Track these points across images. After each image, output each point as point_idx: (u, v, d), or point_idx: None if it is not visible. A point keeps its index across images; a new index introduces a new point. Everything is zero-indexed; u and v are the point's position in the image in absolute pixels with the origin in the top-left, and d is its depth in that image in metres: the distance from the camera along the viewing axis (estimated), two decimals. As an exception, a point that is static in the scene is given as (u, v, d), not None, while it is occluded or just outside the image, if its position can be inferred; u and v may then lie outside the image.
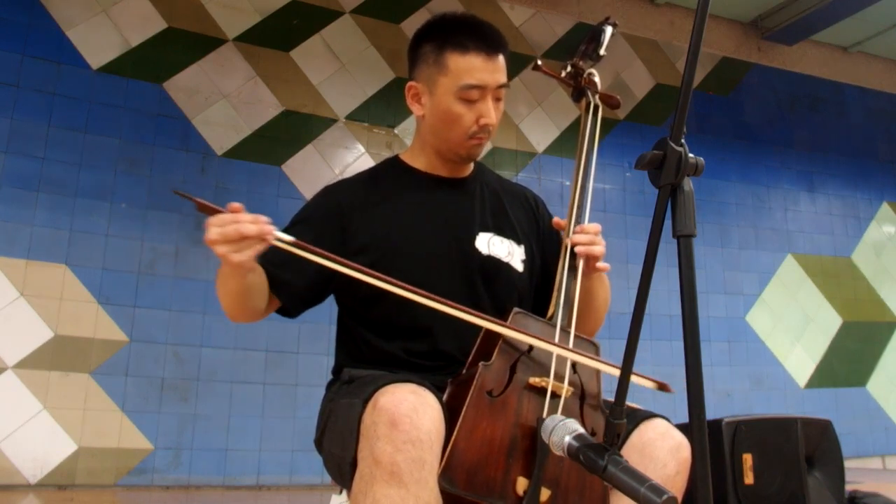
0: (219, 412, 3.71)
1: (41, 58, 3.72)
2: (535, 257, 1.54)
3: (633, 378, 1.16)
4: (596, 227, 1.38)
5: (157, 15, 4.03)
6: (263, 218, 1.13)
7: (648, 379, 1.22)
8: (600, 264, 1.38)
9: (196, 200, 1.12)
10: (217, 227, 1.13)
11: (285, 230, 1.41)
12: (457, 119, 1.40)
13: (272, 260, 1.31)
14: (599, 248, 1.37)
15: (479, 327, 1.26)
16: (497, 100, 1.42)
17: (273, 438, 3.77)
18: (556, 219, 1.46)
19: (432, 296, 1.15)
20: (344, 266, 1.15)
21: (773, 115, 5.74)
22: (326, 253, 1.15)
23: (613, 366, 1.16)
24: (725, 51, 5.62)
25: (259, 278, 1.31)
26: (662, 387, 1.21)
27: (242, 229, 1.11)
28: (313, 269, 1.27)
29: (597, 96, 1.51)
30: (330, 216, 1.42)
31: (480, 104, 1.40)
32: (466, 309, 1.17)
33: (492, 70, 1.39)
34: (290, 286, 1.37)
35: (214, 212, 1.14)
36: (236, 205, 1.13)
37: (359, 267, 1.15)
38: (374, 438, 1.03)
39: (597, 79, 1.51)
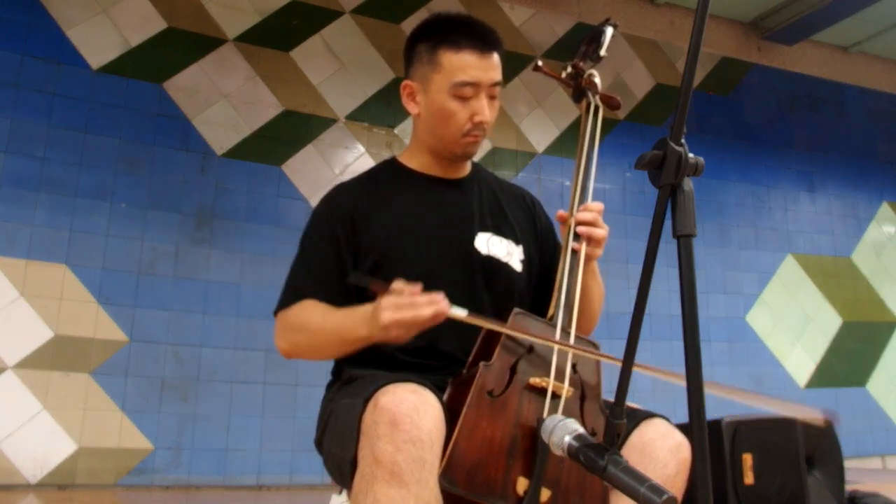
0: (219, 412, 3.71)
1: (41, 58, 3.72)
2: (532, 257, 1.54)
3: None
4: (599, 205, 1.40)
5: (157, 15, 4.03)
6: (438, 297, 1.14)
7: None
8: (594, 250, 1.39)
9: (370, 282, 1.18)
10: (393, 311, 1.14)
11: (298, 254, 1.45)
12: (451, 116, 1.41)
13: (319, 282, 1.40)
14: (602, 232, 1.38)
15: (479, 327, 1.27)
16: (491, 97, 1.43)
17: (273, 438, 3.77)
18: (560, 212, 1.45)
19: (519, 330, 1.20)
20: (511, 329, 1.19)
21: (773, 115, 5.74)
22: (497, 323, 1.20)
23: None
24: (725, 51, 5.62)
25: None
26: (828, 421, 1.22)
27: (420, 316, 1.13)
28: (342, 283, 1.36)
29: (597, 97, 1.51)
30: (343, 225, 1.43)
31: (474, 101, 1.40)
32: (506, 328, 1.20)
33: (485, 67, 1.40)
34: (332, 293, 1.41)
35: (386, 291, 1.16)
36: (412, 288, 1.15)
37: (521, 331, 1.20)
38: (374, 438, 1.04)
39: (597, 79, 1.51)
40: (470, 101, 1.40)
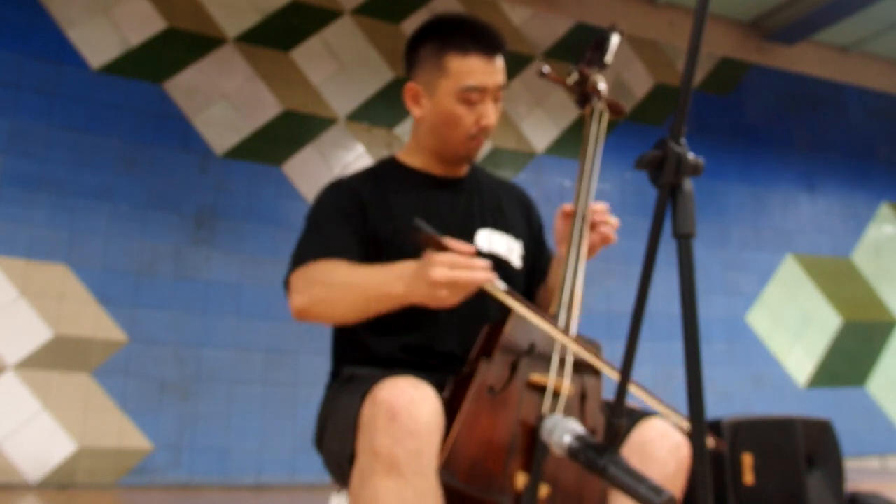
0: (219, 412, 3.72)
1: (41, 58, 3.72)
2: (529, 253, 1.55)
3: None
4: (606, 206, 1.44)
5: (157, 15, 4.03)
6: (485, 262, 1.11)
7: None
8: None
9: (424, 233, 1.08)
10: (448, 269, 1.09)
11: (307, 228, 1.41)
12: (457, 121, 1.41)
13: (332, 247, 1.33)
14: (614, 238, 1.43)
15: (480, 325, 1.27)
16: (496, 101, 1.43)
17: (273, 438, 3.77)
18: (565, 206, 1.44)
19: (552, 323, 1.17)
20: (544, 321, 1.14)
21: (773, 115, 5.74)
22: (535, 308, 1.15)
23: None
24: (725, 51, 5.62)
25: None
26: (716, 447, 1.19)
27: (475, 279, 1.09)
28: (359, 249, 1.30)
29: (602, 103, 1.51)
30: (353, 205, 1.41)
31: (480, 106, 1.40)
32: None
33: (492, 72, 1.40)
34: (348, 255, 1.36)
35: (442, 248, 1.09)
36: (468, 247, 1.10)
37: (537, 310, 1.15)
38: (372, 431, 1.04)
39: (602, 86, 1.51)
40: (476, 106, 1.40)
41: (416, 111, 1.47)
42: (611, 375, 1.19)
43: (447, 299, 1.11)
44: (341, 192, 1.45)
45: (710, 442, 1.10)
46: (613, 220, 1.43)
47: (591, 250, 1.41)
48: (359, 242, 1.36)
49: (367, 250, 1.37)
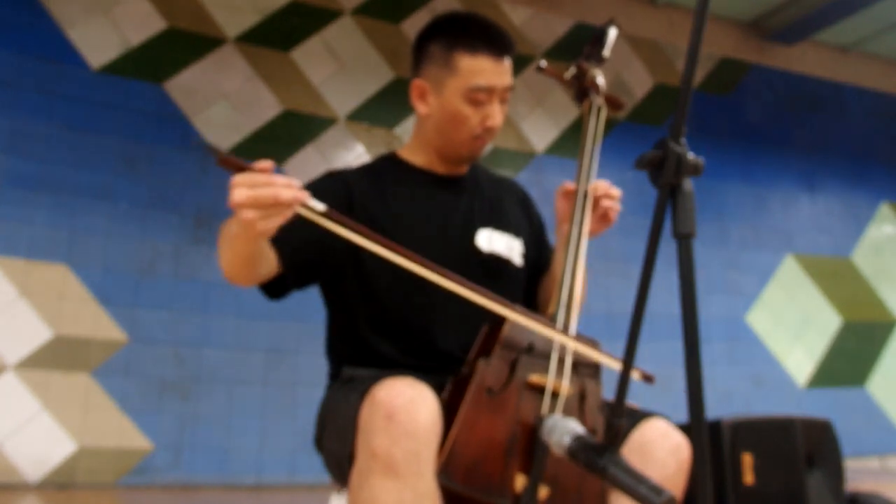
0: (219, 412, 3.72)
1: (41, 58, 3.72)
2: (529, 251, 1.55)
3: (611, 363, 1.17)
4: (607, 185, 1.44)
5: (158, 15, 4.03)
6: (297, 182, 1.01)
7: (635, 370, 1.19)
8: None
9: (221, 154, 0.99)
10: (247, 188, 0.98)
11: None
12: (464, 120, 1.40)
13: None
14: (616, 212, 1.44)
15: (479, 325, 1.26)
16: (503, 102, 1.43)
17: (273, 438, 3.77)
18: (566, 184, 1.44)
19: (450, 274, 1.09)
20: (378, 244, 1.04)
21: (773, 115, 5.74)
22: (360, 226, 1.04)
23: (615, 359, 1.16)
24: (725, 51, 5.62)
25: (266, 243, 1.23)
26: (647, 378, 1.17)
27: (279, 195, 0.98)
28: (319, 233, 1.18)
29: (600, 97, 1.51)
30: (339, 194, 1.38)
31: (487, 106, 1.40)
32: (483, 290, 1.12)
33: (500, 72, 1.40)
34: (292, 241, 1.28)
35: (240, 168, 0.99)
36: (267, 163, 1.00)
37: (394, 245, 1.06)
38: (370, 431, 1.04)
39: (601, 80, 1.51)
40: (483, 106, 1.39)
41: (421, 108, 1.46)
42: (613, 367, 1.18)
43: (256, 222, 1.00)
44: (330, 181, 1.43)
45: (638, 374, 1.09)
46: (615, 192, 1.43)
47: (594, 230, 1.42)
48: (303, 234, 1.26)
49: (349, 254, 1.33)
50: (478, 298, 1.12)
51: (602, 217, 1.43)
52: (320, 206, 1.02)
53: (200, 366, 3.74)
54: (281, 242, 1.26)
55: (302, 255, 1.32)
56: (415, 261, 1.07)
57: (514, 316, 1.15)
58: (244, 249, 1.15)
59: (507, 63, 1.41)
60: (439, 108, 1.42)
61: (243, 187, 0.98)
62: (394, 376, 1.11)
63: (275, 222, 1.01)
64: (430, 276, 1.08)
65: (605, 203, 1.41)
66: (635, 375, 1.17)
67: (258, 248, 1.17)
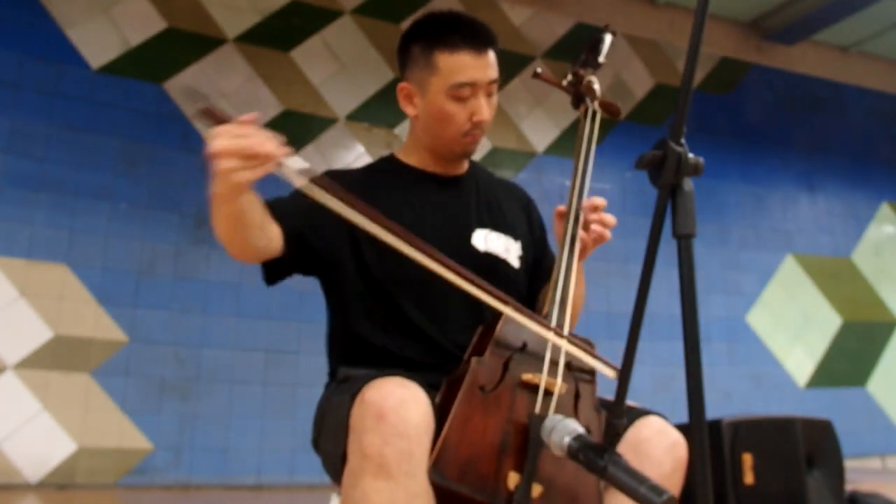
0: (219, 412, 3.72)
1: (41, 58, 3.72)
2: (528, 254, 1.55)
3: (592, 361, 1.17)
4: (604, 202, 1.40)
5: (157, 15, 4.03)
6: (280, 137, 1.01)
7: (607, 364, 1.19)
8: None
9: (204, 105, 1.00)
10: (228, 137, 0.99)
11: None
12: (450, 118, 1.40)
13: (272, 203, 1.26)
14: (608, 236, 1.40)
15: (478, 318, 1.27)
16: (489, 95, 1.43)
17: (273, 438, 3.77)
18: (559, 207, 1.44)
19: (446, 261, 1.10)
20: (361, 214, 1.05)
21: (773, 115, 5.74)
22: (342, 192, 1.04)
23: (609, 364, 1.16)
24: (725, 51, 5.62)
25: (254, 200, 1.23)
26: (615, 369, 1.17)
27: (259, 145, 0.99)
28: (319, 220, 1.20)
29: (595, 103, 1.52)
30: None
31: (472, 101, 1.40)
32: (477, 280, 1.14)
33: (482, 66, 1.39)
34: (287, 212, 1.31)
35: (223, 120, 1.00)
36: (251, 115, 1.00)
37: (377, 217, 1.06)
38: (361, 432, 1.04)
39: (596, 86, 1.52)
40: (468, 101, 1.40)
41: (409, 111, 1.47)
42: (603, 371, 1.18)
43: (234, 172, 1.01)
44: (329, 179, 1.44)
45: (600, 364, 1.10)
46: (608, 218, 1.40)
47: (584, 250, 1.39)
48: (305, 216, 1.32)
49: (343, 253, 1.36)
50: (471, 288, 1.13)
51: (597, 239, 1.39)
52: (303, 165, 1.04)
53: (200, 366, 3.74)
54: (284, 214, 1.29)
55: (303, 227, 1.33)
56: (401, 236, 1.08)
57: (509, 310, 1.15)
58: (228, 208, 1.17)
59: (489, 57, 1.41)
60: (425, 108, 1.43)
61: (224, 136, 1.00)
62: (385, 376, 1.11)
63: (253, 174, 1.02)
64: (415, 254, 1.09)
65: (591, 217, 1.38)
66: (601, 367, 1.18)
67: (240, 206, 1.18)
